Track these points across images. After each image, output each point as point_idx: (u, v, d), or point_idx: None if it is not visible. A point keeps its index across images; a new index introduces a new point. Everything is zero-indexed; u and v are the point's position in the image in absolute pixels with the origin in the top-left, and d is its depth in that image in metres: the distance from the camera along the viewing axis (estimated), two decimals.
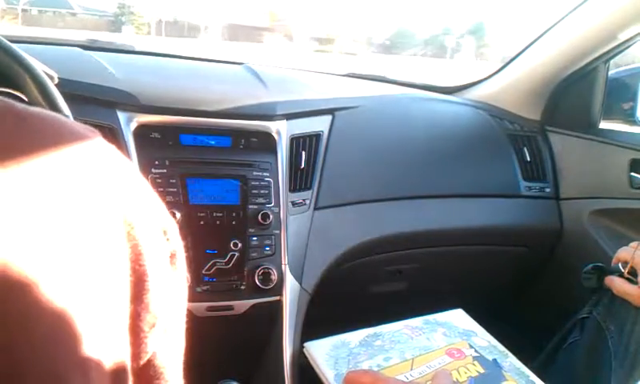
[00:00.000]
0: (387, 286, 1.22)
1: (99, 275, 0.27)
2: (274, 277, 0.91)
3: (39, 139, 0.27)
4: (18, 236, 0.24)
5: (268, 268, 0.90)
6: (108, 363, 0.27)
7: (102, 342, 0.26)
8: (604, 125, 1.29)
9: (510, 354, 0.78)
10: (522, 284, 1.40)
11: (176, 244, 0.34)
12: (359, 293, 1.21)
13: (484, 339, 0.80)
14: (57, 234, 0.25)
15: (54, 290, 0.24)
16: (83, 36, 1.26)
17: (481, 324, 0.84)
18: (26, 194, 0.25)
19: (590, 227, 1.20)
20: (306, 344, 0.78)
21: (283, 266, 0.93)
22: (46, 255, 0.24)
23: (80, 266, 0.26)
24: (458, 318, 0.86)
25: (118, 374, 0.28)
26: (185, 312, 0.36)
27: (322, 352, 0.74)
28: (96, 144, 0.30)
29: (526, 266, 1.34)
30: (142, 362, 0.30)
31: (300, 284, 0.95)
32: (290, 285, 0.93)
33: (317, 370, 0.73)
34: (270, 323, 0.93)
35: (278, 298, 0.92)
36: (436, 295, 1.21)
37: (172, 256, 0.33)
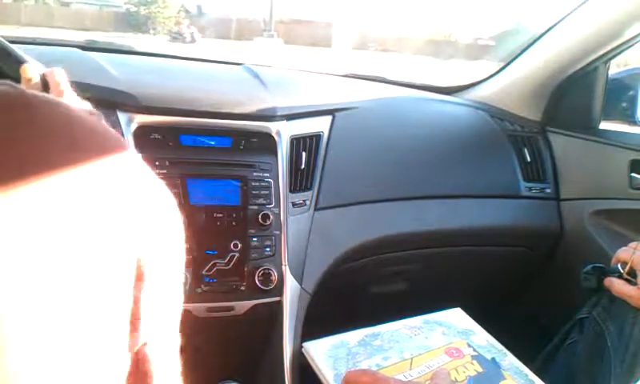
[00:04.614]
0: (388, 287, 1.22)
1: (107, 269, 0.27)
2: (275, 277, 0.91)
3: (49, 133, 0.27)
4: (29, 238, 0.24)
5: (268, 269, 0.90)
6: (107, 350, 0.28)
7: (103, 329, 0.27)
8: (604, 125, 1.29)
9: (508, 353, 0.78)
10: (522, 285, 1.40)
11: (176, 237, 0.34)
12: (360, 293, 1.21)
13: (483, 338, 0.80)
14: (69, 233, 0.25)
15: (57, 286, 0.24)
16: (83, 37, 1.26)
17: (481, 324, 0.84)
18: (37, 195, 0.25)
19: (590, 228, 1.20)
20: (304, 344, 0.78)
21: (283, 267, 0.93)
22: (53, 253, 0.24)
23: (87, 260, 0.26)
24: (456, 317, 0.86)
25: (115, 361, 0.29)
26: (181, 302, 0.36)
27: (321, 352, 0.74)
28: (104, 138, 0.30)
29: (527, 267, 1.34)
30: (135, 348, 0.31)
31: (300, 285, 0.95)
32: (291, 285, 0.93)
33: (316, 370, 0.73)
34: (271, 324, 0.93)
35: (278, 298, 0.92)
36: (437, 296, 1.20)
37: (171, 260, 0.33)
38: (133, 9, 8.95)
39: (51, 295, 0.24)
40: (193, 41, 7.62)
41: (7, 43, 0.57)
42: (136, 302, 0.30)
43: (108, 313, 0.28)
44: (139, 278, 0.30)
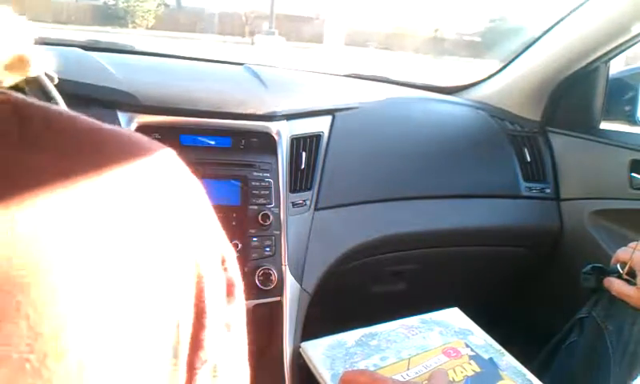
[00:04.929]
0: (388, 287, 1.22)
1: (163, 312, 0.26)
2: (274, 277, 0.91)
3: (105, 158, 0.26)
4: (86, 268, 0.23)
5: (268, 269, 0.90)
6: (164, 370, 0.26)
7: (157, 375, 0.26)
8: (604, 125, 1.29)
9: (506, 353, 0.78)
10: (522, 284, 1.40)
11: (234, 273, 0.32)
12: (359, 293, 1.21)
13: (480, 338, 0.80)
14: (126, 266, 0.24)
15: (112, 325, 0.23)
16: (83, 36, 1.26)
17: (481, 324, 0.84)
18: (92, 220, 0.24)
19: (590, 228, 1.20)
20: (302, 344, 0.78)
21: (283, 267, 0.93)
22: (110, 288, 0.24)
23: (144, 298, 0.25)
24: (453, 316, 0.86)
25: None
26: (244, 350, 0.34)
27: (319, 352, 0.75)
28: (164, 163, 0.29)
29: (526, 267, 1.34)
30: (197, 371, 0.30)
31: (300, 284, 0.95)
32: (290, 285, 0.93)
33: (313, 371, 0.73)
34: (270, 324, 0.93)
35: (278, 298, 0.92)
36: (437, 295, 1.20)
37: (229, 286, 0.32)
38: (111, 2, 8.42)
39: (114, 309, 0.24)
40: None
41: None
42: (198, 314, 0.28)
43: (168, 326, 0.26)
44: (199, 285, 0.28)
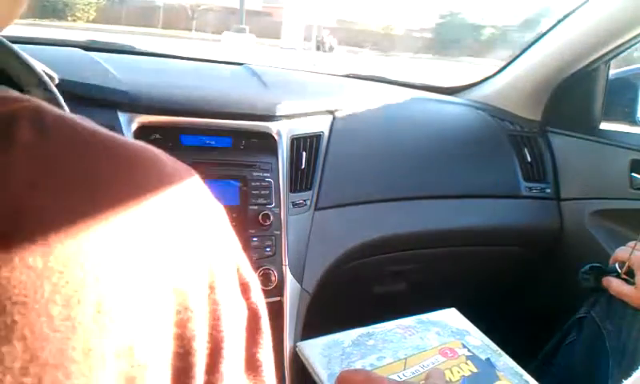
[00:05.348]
0: (388, 287, 1.22)
1: (176, 345, 0.25)
2: (275, 278, 0.91)
3: (127, 177, 0.25)
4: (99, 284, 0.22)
5: (268, 269, 0.90)
6: None
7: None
8: (604, 125, 1.29)
9: (503, 353, 0.78)
10: (522, 284, 1.40)
11: (259, 304, 0.31)
12: (360, 293, 1.21)
13: (477, 338, 0.80)
14: (137, 287, 0.23)
15: (124, 358, 0.22)
16: (84, 36, 1.26)
17: (481, 324, 0.85)
18: (103, 244, 0.23)
19: (590, 228, 1.20)
20: (298, 344, 0.78)
21: (284, 267, 0.93)
22: (120, 312, 0.23)
23: (156, 330, 0.24)
24: (451, 317, 0.86)
25: None
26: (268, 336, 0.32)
27: (315, 352, 0.75)
28: (186, 186, 0.28)
29: (527, 267, 1.34)
30: None
31: (300, 285, 0.95)
32: (291, 285, 0.93)
33: (310, 370, 0.73)
34: (271, 324, 0.93)
35: (278, 298, 0.92)
36: (437, 296, 1.20)
37: (254, 316, 0.30)
38: None
39: (122, 334, 0.23)
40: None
41: (9, 43, 0.57)
42: (214, 343, 0.27)
43: (177, 354, 0.25)
44: (215, 313, 0.27)
